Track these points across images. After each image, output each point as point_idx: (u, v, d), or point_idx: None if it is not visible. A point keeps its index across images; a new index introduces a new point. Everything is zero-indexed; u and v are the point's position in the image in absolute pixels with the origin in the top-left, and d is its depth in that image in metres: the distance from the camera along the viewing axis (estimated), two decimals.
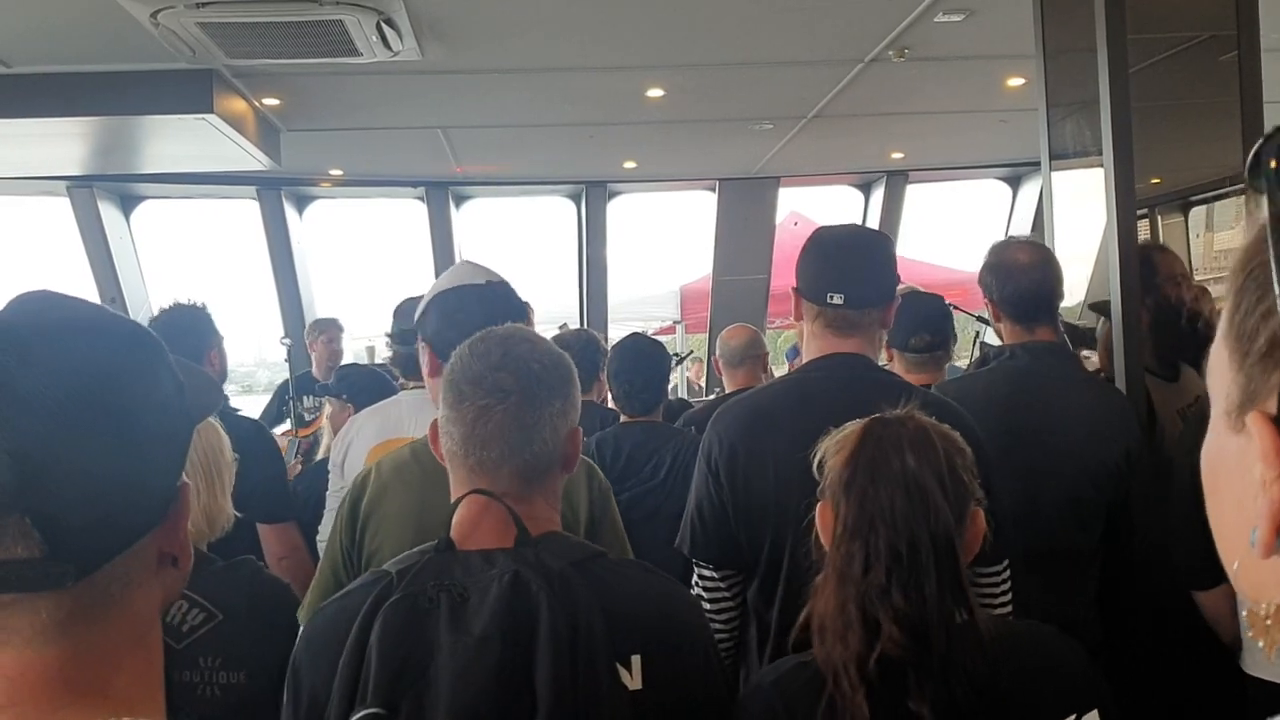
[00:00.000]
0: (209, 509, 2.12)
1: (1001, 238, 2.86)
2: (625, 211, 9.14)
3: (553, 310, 8.26)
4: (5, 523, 0.72)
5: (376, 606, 1.33)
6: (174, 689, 1.90)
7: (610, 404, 4.08)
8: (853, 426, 1.54)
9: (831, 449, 1.54)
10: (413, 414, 2.74)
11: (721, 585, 2.24)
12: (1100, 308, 3.12)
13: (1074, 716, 1.42)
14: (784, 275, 8.66)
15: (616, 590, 1.41)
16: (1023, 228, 8.60)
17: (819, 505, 1.54)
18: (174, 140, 5.60)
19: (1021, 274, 2.68)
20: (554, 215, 9.15)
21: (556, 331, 5.55)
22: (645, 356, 3.66)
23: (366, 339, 8.08)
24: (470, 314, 2.00)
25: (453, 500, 1.47)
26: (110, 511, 0.76)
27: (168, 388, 0.83)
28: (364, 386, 3.73)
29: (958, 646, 1.37)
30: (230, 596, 2.01)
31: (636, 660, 1.37)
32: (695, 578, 2.26)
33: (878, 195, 8.77)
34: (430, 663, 1.28)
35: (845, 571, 1.40)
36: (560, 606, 1.31)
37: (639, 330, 5.90)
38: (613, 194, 8.81)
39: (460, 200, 8.78)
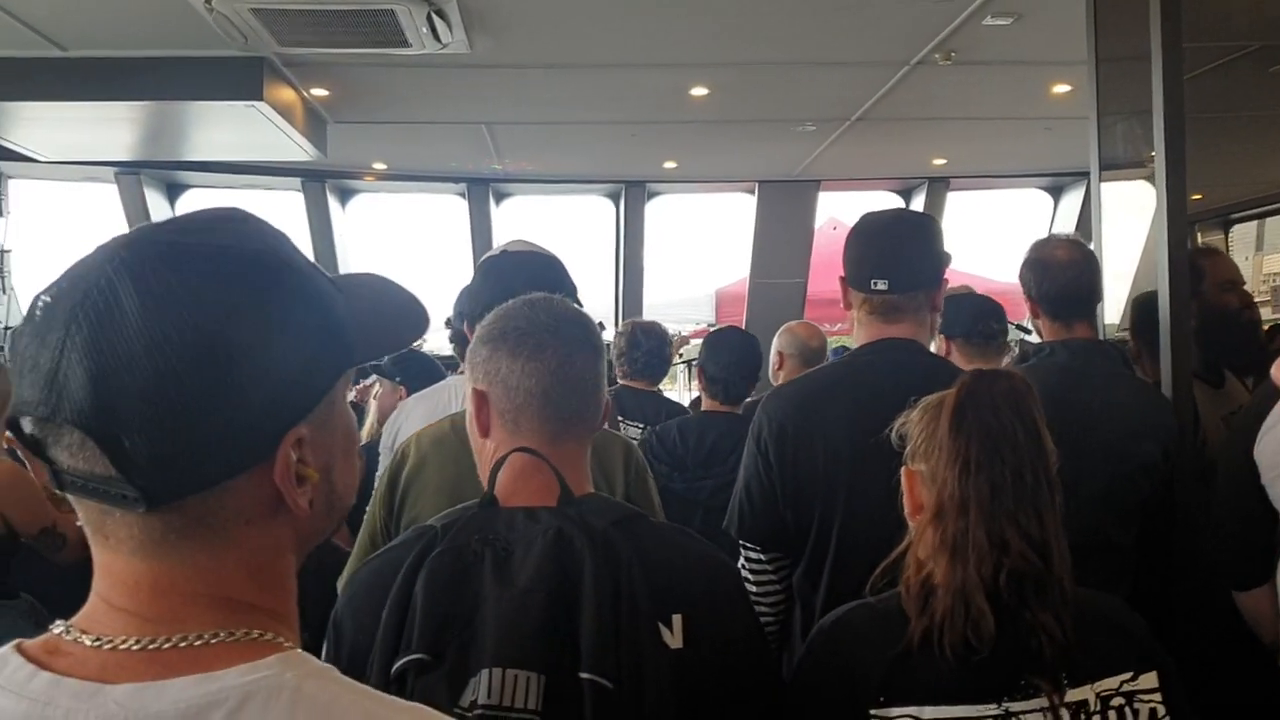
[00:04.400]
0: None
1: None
2: (663, 213, 9.17)
3: (588, 310, 8.27)
4: (85, 439, 0.73)
5: (422, 558, 1.34)
6: None
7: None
8: (935, 394, 1.57)
9: (917, 415, 1.57)
10: (460, 398, 2.76)
11: (768, 567, 2.25)
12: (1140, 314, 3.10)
13: (1130, 674, 1.45)
14: (821, 280, 8.63)
15: (657, 551, 1.41)
16: None
17: (904, 471, 1.58)
18: (223, 127, 5.67)
19: (1060, 271, 2.67)
20: (592, 214, 9.19)
21: None
22: (744, 347, 3.72)
23: None
24: (510, 278, 2.01)
25: (495, 458, 1.46)
26: (186, 450, 0.74)
27: (297, 329, 0.79)
28: (418, 371, 3.78)
29: (1067, 568, 1.45)
30: None
31: (678, 619, 1.37)
32: (741, 560, 2.26)
33: (918, 201, 8.73)
34: (475, 614, 1.29)
35: (969, 501, 1.44)
36: (604, 564, 1.32)
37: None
38: (652, 194, 8.82)
39: (500, 197, 8.82)
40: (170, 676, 0.74)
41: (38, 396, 0.74)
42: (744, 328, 8.75)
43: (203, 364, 0.74)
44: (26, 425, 0.76)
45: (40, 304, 0.76)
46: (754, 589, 2.23)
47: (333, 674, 0.79)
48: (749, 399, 4.50)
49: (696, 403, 4.99)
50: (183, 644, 0.76)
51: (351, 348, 0.85)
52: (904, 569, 1.50)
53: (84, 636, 0.77)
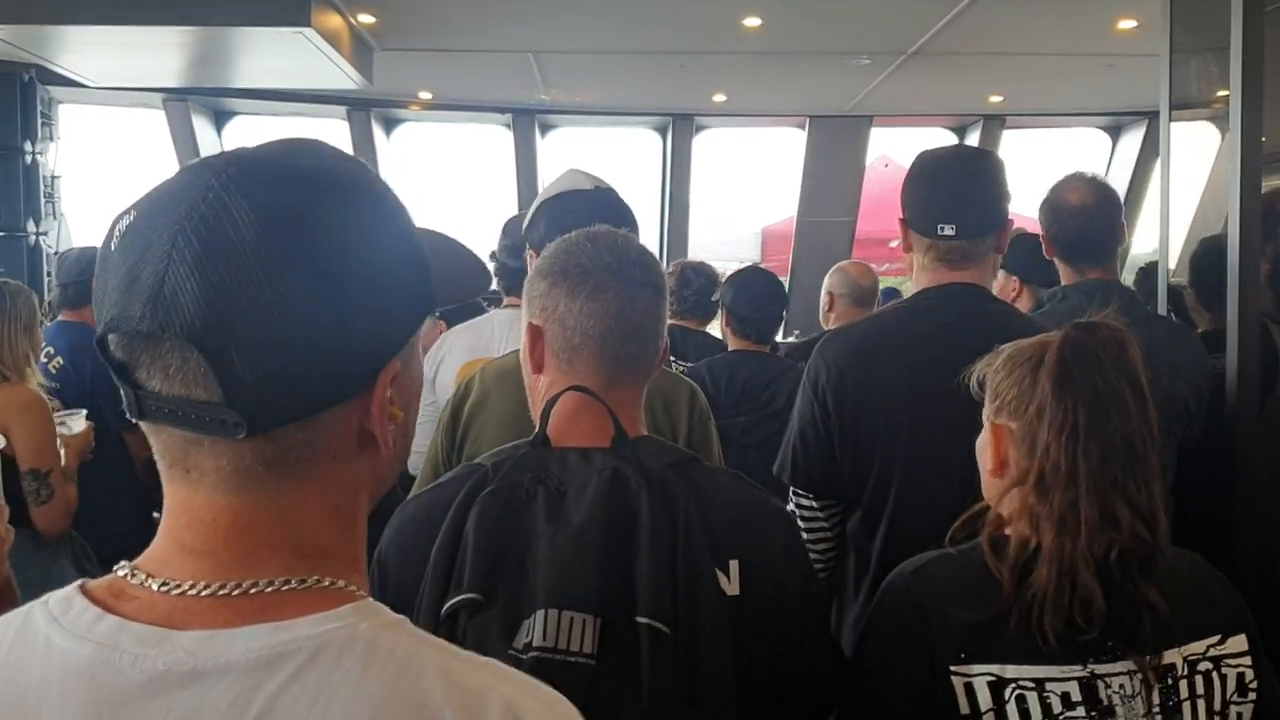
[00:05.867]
0: None
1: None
2: (711, 147, 9.04)
3: None
4: (188, 357, 0.71)
5: (472, 496, 1.31)
6: None
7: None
8: (1024, 342, 1.49)
9: (1004, 366, 1.48)
10: (504, 332, 2.74)
11: (820, 515, 2.21)
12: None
13: (1218, 638, 1.40)
14: (870, 219, 8.50)
15: (714, 496, 1.38)
16: (1121, 180, 8.32)
17: (989, 425, 1.50)
18: (270, 54, 5.63)
19: (1069, 216, 2.64)
20: (639, 148, 9.09)
21: None
22: (772, 287, 3.74)
23: None
24: (580, 218, 1.97)
25: (548, 397, 1.43)
26: (294, 374, 0.72)
27: (402, 263, 0.78)
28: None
29: (1168, 536, 1.39)
30: None
31: (734, 565, 1.34)
32: (791, 506, 2.22)
33: (973, 139, 8.52)
34: (527, 554, 1.27)
35: (1078, 472, 1.36)
36: (661, 505, 1.28)
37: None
38: (699, 128, 8.69)
39: (546, 129, 8.74)
40: (240, 624, 0.72)
41: (140, 311, 0.70)
42: (790, 267, 8.77)
43: (316, 285, 0.72)
44: (114, 345, 0.73)
45: (123, 224, 0.74)
46: (804, 536, 2.19)
47: (407, 626, 0.77)
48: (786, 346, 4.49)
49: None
50: (253, 590, 0.74)
51: (433, 290, 0.83)
52: (985, 523, 1.44)
53: (151, 580, 0.74)
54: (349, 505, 0.80)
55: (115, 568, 0.77)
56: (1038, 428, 1.40)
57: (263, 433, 0.73)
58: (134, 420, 0.75)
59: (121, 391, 0.74)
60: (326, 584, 0.76)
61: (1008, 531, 1.42)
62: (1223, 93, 2.89)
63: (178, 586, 0.74)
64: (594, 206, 2.04)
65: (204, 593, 0.73)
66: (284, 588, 0.74)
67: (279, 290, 0.71)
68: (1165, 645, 1.36)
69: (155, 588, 0.74)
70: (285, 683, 0.70)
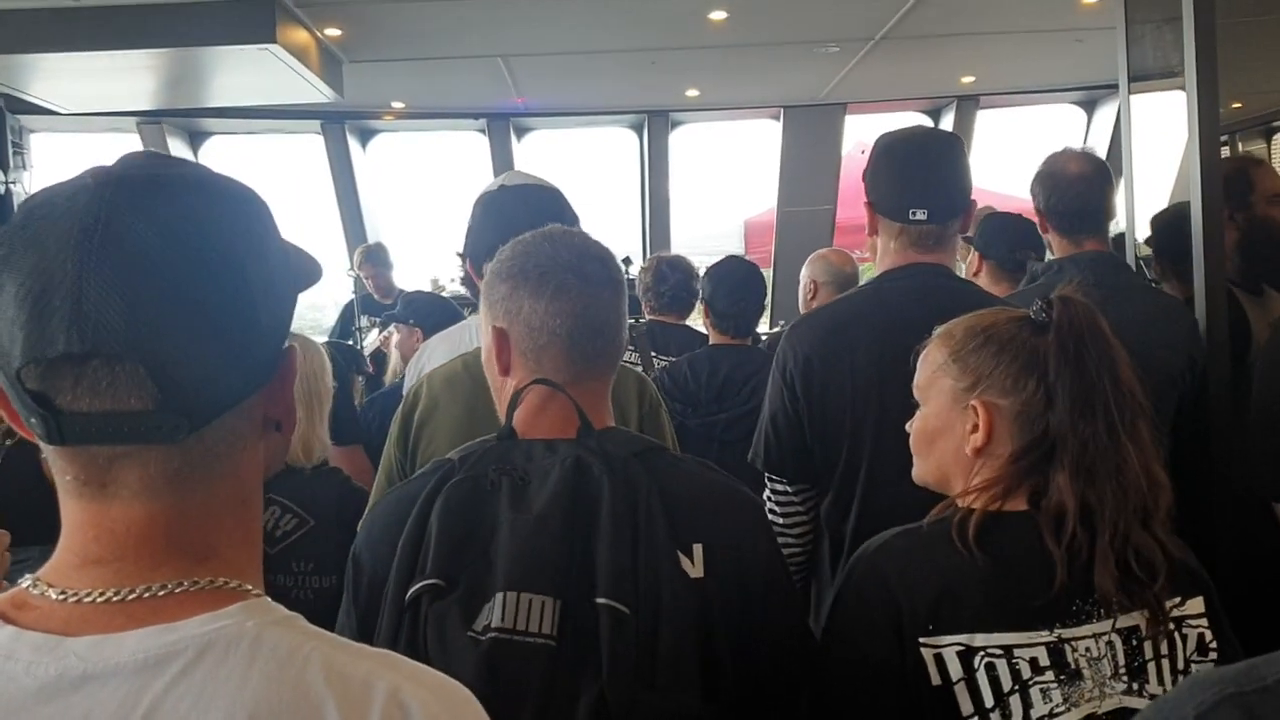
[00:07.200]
0: (305, 435, 2.13)
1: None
2: (688, 143, 9.06)
3: (616, 245, 8.21)
4: (118, 371, 0.72)
5: (439, 487, 1.33)
6: (268, 592, 1.95)
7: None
8: (995, 319, 1.50)
9: (979, 341, 1.48)
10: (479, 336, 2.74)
11: (795, 499, 2.22)
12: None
13: (1178, 599, 1.42)
14: (851, 206, 8.52)
15: (677, 481, 1.40)
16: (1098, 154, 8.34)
17: (979, 403, 1.47)
18: (238, 72, 5.64)
19: (1069, 184, 2.63)
20: (616, 147, 9.10)
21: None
22: (750, 278, 3.69)
23: (432, 274, 8.14)
24: (511, 214, 1.97)
25: (514, 390, 1.44)
26: (221, 366, 0.75)
27: (276, 249, 0.82)
28: (430, 312, 3.77)
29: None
30: (320, 503, 2.07)
31: (698, 549, 1.35)
32: (768, 492, 2.24)
33: (947, 121, 8.55)
34: (490, 540, 1.28)
35: (1107, 450, 1.39)
36: (622, 490, 1.30)
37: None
38: (675, 124, 8.71)
39: (522, 132, 8.75)
40: (132, 628, 0.74)
41: (64, 336, 0.71)
42: (773, 257, 8.78)
43: (225, 281, 0.76)
44: (29, 377, 0.73)
45: None
46: (781, 521, 2.21)
47: (297, 622, 0.78)
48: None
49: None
50: (147, 595, 0.75)
51: (294, 271, 0.86)
52: (966, 497, 1.45)
53: (50, 590, 0.76)
54: (250, 496, 0.83)
55: (19, 580, 0.78)
56: (1046, 404, 1.41)
57: (198, 431, 0.75)
58: (53, 445, 0.75)
59: (36, 421, 0.74)
60: (220, 584, 0.78)
61: (994, 507, 1.42)
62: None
63: (75, 595, 0.75)
64: (526, 203, 2.08)
65: (99, 600, 0.75)
66: (177, 590, 0.76)
67: (196, 292, 0.74)
68: (1126, 603, 1.38)
69: (55, 597, 0.76)
70: (171, 682, 0.72)
